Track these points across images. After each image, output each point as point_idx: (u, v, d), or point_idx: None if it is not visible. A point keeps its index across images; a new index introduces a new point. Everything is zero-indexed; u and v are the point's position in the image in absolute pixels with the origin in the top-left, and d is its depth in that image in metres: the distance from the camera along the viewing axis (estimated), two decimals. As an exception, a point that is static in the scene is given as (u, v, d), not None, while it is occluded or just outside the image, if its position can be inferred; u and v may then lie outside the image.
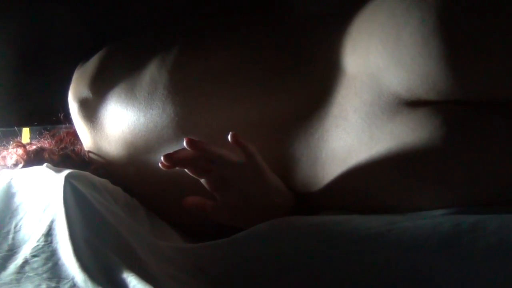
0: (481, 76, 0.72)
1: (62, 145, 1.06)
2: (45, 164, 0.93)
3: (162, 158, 0.78)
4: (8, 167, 1.03)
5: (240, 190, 0.84)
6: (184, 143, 0.79)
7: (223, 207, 0.86)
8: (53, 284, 0.68)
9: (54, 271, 0.69)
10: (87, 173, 0.89)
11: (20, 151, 1.04)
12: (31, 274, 0.69)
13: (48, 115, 1.14)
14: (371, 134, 0.79)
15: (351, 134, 0.81)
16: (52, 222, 0.76)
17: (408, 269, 0.64)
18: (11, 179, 0.90)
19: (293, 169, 0.89)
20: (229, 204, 0.85)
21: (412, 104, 0.77)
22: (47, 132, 1.12)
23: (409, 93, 0.76)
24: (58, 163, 0.99)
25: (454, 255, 0.63)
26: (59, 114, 1.10)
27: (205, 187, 0.84)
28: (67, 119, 1.08)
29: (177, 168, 0.80)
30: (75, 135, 1.08)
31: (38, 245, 0.73)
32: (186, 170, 0.82)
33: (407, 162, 0.75)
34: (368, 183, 0.79)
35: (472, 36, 0.71)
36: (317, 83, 0.87)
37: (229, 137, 0.80)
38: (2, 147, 1.08)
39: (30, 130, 1.26)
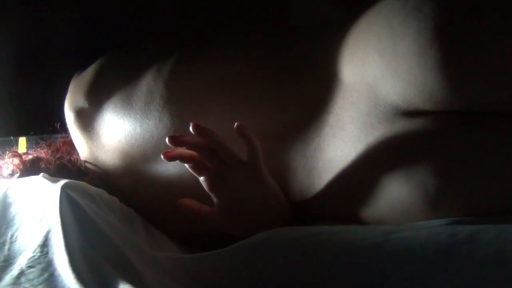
0: (478, 86, 0.73)
1: (59, 155, 1.06)
2: (41, 174, 0.93)
3: (166, 139, 0.80)
4: (4, 177, 1.02)
5: (238, 191, 0.84)
6: (190, 128, 0.80)
7: (218, 211, 0.86)
8: (49, 295, 0.68)
9: (50, 282, 0.69)
10: (83, 183, 0.89)
11: (16, 160, 1.04)
12: (27, 285, 0.69)
13: (45, 125, 1.13)
14: (368, 144, 0.79)
15: (348, 144, 0.81)
16: (48, 232, 0.76)
17: (404, 280, 0.64)
18: (7, 189, 0.90)
19: (290, 178, 0.89)
20: (225, 207, 0.85)
21: (409, 114, 0.77)
22: (44, 142, 1.11)
23: (406, 103, 0.77)
24: (54, 173, 0.98)
25: (450, 266, 0.63)
26: (56, 124, 1.09)
27: (201, 196, 0.85)
28: (64, 128, 1.08)
29: (177, 161, 0.82)
30: (71, 145, 1.08)
31: (34, 256, 0.73)
32: (186, 165, 0.83)
33: (403, 172, 0.75)
34: (364, 193, 0.79)
35: (469, 46, 0.71)
36: (314, 93, 0.87)
37: (234, 126, 0.81)
38: (-2, 157, 1.08)
39: (26, 139, 1.26)
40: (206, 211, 0.87)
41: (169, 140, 0.80)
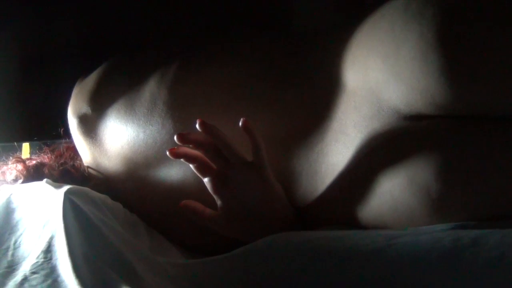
0: (480, 90, 0.73)
1: (62, 160, 1.06)
2: (44, 180, 0.93)
3: (175, 137, 0.81)
4: (7, 183, 1.02)
5: (242, 193, 0.84)
6: (197, 125, 0.81)
7: (222, 214, 0.86)
8: (53, 301, 0.68)
9: (53, 288, 0.69)
10: (86, 189, 0.89)
11: (19, 166, 1.04)
12: (30, 291, 0.69)
13: (48, 130, 1.14)
14: (371, 148, 0.79)
15: (351, 149, 0.81)
16: (51, 238, 0.76)
17: (408, 285, 0.64)
18: (11, 194, 0.90)
19: (293, 183, 0.89)
20: (228, 209, 0.85)
21: (411, 118, 0.77)
22: (47, 147, 1.11)
23: (409, 108, 0.77)
24: (57, 179, 0.98)
25: (454, 270, 0.63)
26: (59, 129, 1.10)
27: (204, 202, 0.85)
28: (67, 134, 1.08)
29: (182, 160, 0.83)
30: (75, 150, 1.08)
31: (37, 262, 0.73)
32: (191, 166, 0.83)
33: (406, 176, 0.74)
34: (367, 197, 0.79)
35: (471, 50, 0.71)
36: (317, 98, 0.87)
37: (240, 122, 0.81)
38: (2, 163, 1.08)
39: (30, 145, 1.26)
40: (209, 213, 0.87)
41: (177, 137, 0.81)
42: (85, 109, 1.02)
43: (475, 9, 0.71)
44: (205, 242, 0.93)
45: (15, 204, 0.88)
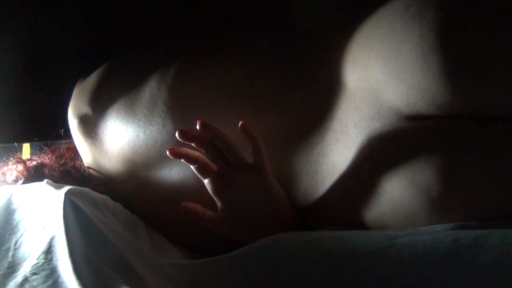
0: (480, 90, 0.73)
1: (63, 161, 1.06)
2: (45, 180, 0.93)
3: (176, 134, 0.81)
4: (8, 183, 1.02)
5: (242, 194, 0.84)
6: (197, 126, 0.81)
7: (222, 215, 0.85)
8: (53, 302, 0.68)
9: (54, 289, 0.69)
10: (87, 190, 0.89)
11: (20, 167, 1.04)
12: (31, 292, 0.69)
13: (49, 131, 1.14)
14: (371, 148, 0.79)
15: (351, 149, 0.81)
16: (52, 239, 0.76)
17: (408, 285, 0.64)
18: (11, 195, 0.90)
19: (293, 183, 0.89)
20: (229, 210, 0.85)
21: (412, 118, 0.77)
22: (48, 148, 1.11)
23: (409, 108, 0.77)
24: (58, 179, 0.98)
25: (455, 270, 0.63)
26: (60, 130, 1.10)
27: (204, 203, 0.85)
28: (68, 134, 1.08)
29: (182, 160, 0.83)
30: (75, 151, 1.08)
31: (38, 263, 0.73)
32: (191, 167, 0.83)
33: (407, 177, 0.74)
34: (368, 198, 0.79)
35: (471, 51, 0.71)
36: (317, 98, 0.87)
37: (239, 125, 0.82)
38: (2, 163, 1.08)
39: (30, 145, 1.26)
40: (209, 215, 0.86)
41: (179, 134, 0.81)
42: (86, 109, 1.02)
43: (475, 10, 0.71)
44: (205, 243, 0.93)
45: (15, 205, 0.88)
